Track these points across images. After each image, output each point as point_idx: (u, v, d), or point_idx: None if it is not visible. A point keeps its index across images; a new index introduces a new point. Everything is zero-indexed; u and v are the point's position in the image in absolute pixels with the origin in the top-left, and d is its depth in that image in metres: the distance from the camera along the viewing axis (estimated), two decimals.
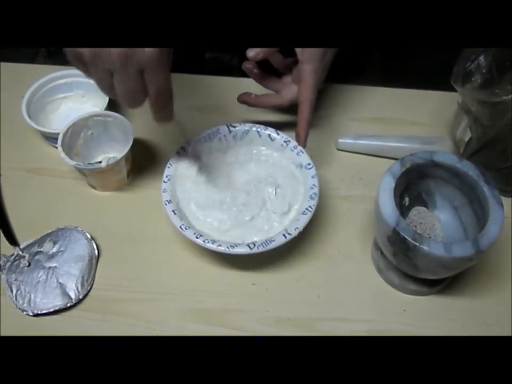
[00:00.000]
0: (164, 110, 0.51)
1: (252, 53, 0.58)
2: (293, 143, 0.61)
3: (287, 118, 0.70)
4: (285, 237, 0.53)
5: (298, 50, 0.60)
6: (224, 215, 0.58)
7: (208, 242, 0.53)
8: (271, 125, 0.63)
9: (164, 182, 0.58)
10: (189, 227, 0.54)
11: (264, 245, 0.53)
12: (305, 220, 0.54)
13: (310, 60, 0.59)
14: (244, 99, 0.65)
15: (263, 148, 0.63)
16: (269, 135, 0.62)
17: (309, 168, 0.59)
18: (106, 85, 0.48)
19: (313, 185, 0.57)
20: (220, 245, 0.53)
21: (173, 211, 0.55)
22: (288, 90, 0.63)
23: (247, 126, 0.63)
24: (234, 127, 0.62)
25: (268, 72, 0.64)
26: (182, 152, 0.60)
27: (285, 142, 0.61)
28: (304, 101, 0.60)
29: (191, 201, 0.58)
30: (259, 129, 0.62)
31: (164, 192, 0.57)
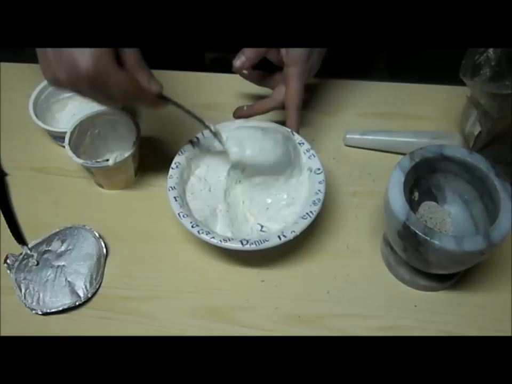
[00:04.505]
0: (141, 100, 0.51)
1: (238, 63, 0.59)
2: (307, 145, 0.60)
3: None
4: (280, 239, 0.52)
5: (282, 52, 0.59)
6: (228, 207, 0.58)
7: (202, 233, 0.52)
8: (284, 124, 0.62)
9: (172, 168, 0.57)
10: (187, 215, 0.54)
11: (257, 243, 0.52)
12: (304, 224, 0.53)
13: (294, 63, 0.59)
14: (239, 114, 0.65)
15: None
16: None
17: (318, 173, 0.57)
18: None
19: (319, 190, 0.56)
20: (213, 237, 0.52)
21: (174, 197, 0.55)
22: (279, 91, 0.62)
23: None
24: None
25: (258, 69, 0.63)
26: (195, 140, 0.60)
27: (299, 143, 0.60)
28: (290, 107, 0.60)
29: (198, 194, 0.58)
30: None
31: (169, 178, 0.57)
